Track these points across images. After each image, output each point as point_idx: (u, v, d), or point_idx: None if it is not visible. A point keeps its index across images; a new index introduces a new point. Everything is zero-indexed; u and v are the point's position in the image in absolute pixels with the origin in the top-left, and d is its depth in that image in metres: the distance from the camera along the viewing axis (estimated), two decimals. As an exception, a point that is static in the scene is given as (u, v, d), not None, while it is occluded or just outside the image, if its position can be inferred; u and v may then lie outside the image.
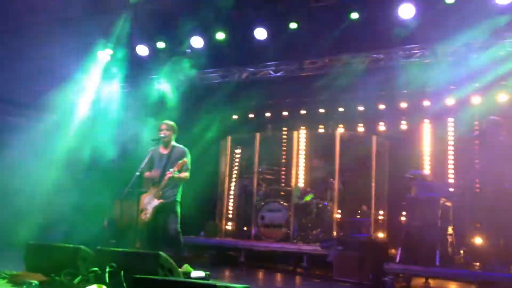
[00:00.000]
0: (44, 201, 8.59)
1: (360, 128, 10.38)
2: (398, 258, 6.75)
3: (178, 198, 6.34)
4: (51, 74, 8.81)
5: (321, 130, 10.61)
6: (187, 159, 6.29)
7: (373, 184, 8.92)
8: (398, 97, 9.89)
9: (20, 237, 6.83)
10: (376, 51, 9.08)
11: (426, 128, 9.61)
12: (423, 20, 7.70)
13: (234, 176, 10.36)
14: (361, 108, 10.37)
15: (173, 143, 6.47)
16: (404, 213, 7.87)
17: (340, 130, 10.01)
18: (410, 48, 8.70)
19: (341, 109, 10.54)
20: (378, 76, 8.89)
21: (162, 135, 6.41)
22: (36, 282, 4.27)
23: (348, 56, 9.22)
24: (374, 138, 9.15)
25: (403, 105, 9.96)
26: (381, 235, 9.02)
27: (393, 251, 7.41)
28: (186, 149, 6.44)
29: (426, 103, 9.65)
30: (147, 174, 6.45)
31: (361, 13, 8.22)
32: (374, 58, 9.16)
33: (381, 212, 9.19)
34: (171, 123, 6.57)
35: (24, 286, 4.22)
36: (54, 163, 9.17)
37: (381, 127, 10.16)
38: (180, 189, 6.40)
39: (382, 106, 10.18)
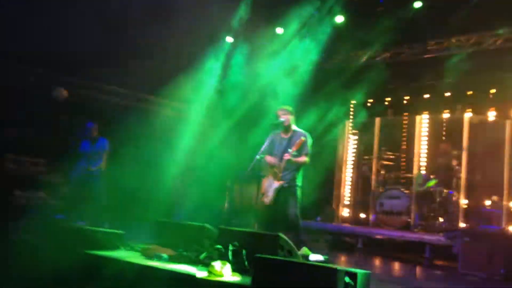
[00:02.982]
0: (171, 183, 9.11)
1: (492, 112, 9.59)
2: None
3: (299, 183, 6.30)
4: (176, 63, 9.25)
5: (446, 114, 10.01)
6: (307, 142, 6.27)
7: (506, 173, 8.24)
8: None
9: (149, 215, 7.32)
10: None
11: None
12: None
13: (352, 161, 10.20)
14: (493, 90, 9.58)
15: (294, 127, 6.43)
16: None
17: (469, 114, 9.36)
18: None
19: (470, 92, 9.84)
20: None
21: (282, 120, 6.38)
22: (165, 255, 4.55)
23: (478, 35, 8.58)
24: (508, 123, 8.44)
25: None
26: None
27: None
28: (307, 133, 6.39)
29: None
30: (267, 158, 6.44)
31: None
32: (509, 36, 8.40)
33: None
34: (288, 107, 6.52)
35: (155, 259, 4.51)
36: (179, 146, 9.67)
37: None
38: (301, 174, 6.34)
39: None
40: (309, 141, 6.33)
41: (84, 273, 4.30)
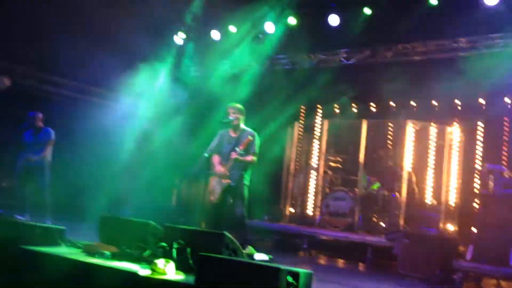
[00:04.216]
0: (116, 178, 8.93)
1: (433, 118, 9.96)
2: (469, 256, 6.46)
3: (246, 182, 6.33)
4: (126, 56, 9.08)
5: (390, 119, 10.31)
6: (255, 142, 6.29)
7: (445, 178, 8.59)
8: (477, 89, 9.39)
9: (93, 211, 7.13)
10: (456, 39, 8.68)
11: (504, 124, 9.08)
12: (509, 8, 7.27)
13: (300, 162, 10.32)
14: (435, 99, 9.96)
15: (243, 126, 6.44)
16: (477, 209, 7.52)
17: (411, 120, 9.67)
18: (493, 37, 8.22)
19: (413, 99, 10.19)
20: (457, 66, 8.49)
21: (231, 118, 6.37)
22: (108, 252, 4.44)
23: (424, 44, 8.88)
24: (447, 129, 8.80)
25: (482, 98, 9.47)
26: (451, 229, 8.68)
27: (463, 248, 7.11)
28: (255, 133, 6.41)
29: (507, 99, 9.07)
30: (215, 157, 6.42)
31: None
32: (453, 46, 8.75)
33: (452, 207, 8.83)
34: (239, 106, 6.49)
35: (97, 256, 4.39)
36: (126, 142, 9.50)
37: (456, 118, 9.70)
38: (248, 173, 6.37)
39: (458, 98, 9.72)
40: (257, 140, 6.36)
41: (18, 269, 4.14)
